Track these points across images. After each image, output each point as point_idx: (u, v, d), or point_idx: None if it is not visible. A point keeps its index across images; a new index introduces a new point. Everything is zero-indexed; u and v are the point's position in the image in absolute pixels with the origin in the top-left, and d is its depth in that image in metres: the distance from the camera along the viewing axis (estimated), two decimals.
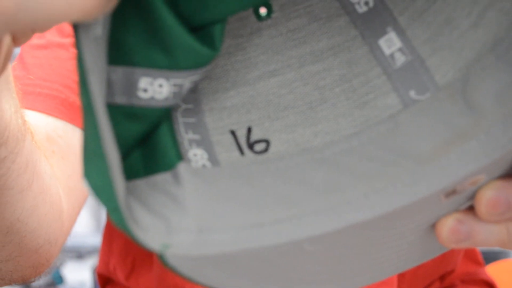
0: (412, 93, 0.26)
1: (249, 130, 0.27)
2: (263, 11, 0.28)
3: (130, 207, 0.22)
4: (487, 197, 0.23)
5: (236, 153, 0.26)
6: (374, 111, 0.26)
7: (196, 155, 0.26)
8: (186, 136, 0.26)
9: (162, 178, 0.24)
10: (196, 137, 0.26)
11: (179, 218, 0.23)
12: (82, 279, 1.92)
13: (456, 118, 0.24)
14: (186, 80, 0.24)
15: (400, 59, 0.26)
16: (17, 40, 0.27)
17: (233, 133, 0.27)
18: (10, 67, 0.36)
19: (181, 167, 0.24)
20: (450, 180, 0.23)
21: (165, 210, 0.23)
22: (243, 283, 0.24)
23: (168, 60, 0.24)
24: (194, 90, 0.27)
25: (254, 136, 0.27)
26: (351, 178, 0.24)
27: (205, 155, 0.26)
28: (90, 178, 0.20)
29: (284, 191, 0.24)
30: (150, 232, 0.22)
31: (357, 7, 0.28)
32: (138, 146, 0.25)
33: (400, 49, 0.26)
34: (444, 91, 0.25)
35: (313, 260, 0.24)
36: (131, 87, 0.24)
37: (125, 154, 0.24)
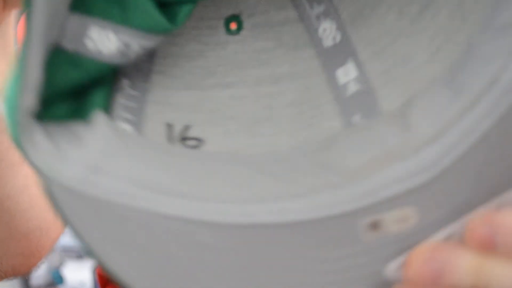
0: (356, 118, 0.27)
1: (187, 127, 0.27)
2: (233, 26, 0.30)
3: (32, 130, 0.22)
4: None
5: (165, 139, 0.27)
6: (316, 131, 0.27)
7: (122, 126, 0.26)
8: (121, 113, 0.27)
9: (76, 123, 0.24)
10: (130, 117, 0.27)
11: (78, 153, 0.23)
12: (82, 279, 1.93)
13: (389, 138, 0.24)
14: (134, 40, 0.25)
15: (352, 88, 0.27)
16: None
17: (169, 126, 0.27)
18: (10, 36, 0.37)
19: (100, 117, 0.24)
20: (370, 200, 0.23)
21: (66, 144, 0.23)
22: (124, 260, 0.22)
23: (121, 15, 0.25)
24: (146, 80, 0.28)
25: (190, 134, 0.27)
26: (269, 180, 0.24)
27: (131, 129, 0.26)
28: (6, 89, 0.21)
29: (196, 172, 0.24)
30: (44, 154, 0.22)
31: (324, 41, 0.29)
32: (69, 97, 0.25)
33: (355, 79, 0.28)
34: (386, 115, 0.26)
35: (216, 263, 0.23)
36: (80, 34, 0.25)
37: (53, 96, 0.24)
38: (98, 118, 0.24)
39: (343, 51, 0.29)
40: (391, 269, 0.23)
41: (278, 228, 0.23)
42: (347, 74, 0.28)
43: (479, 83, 0.23)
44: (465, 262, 0.22)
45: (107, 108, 0.27)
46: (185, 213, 0.23)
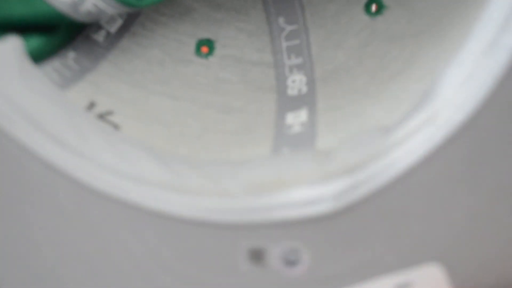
0: (285, 149, 0.24)
1: (109, 112, 0.25)
2: (204, 50, 0.29)
3: None
4: None
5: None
6: (241, 151, 0.24)
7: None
8: (48, 70, 0.25)
9: None
10: (56, 78, 0.25)
11: None
12: None
13: (303, 164, 0.21)
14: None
15: (296, 129, 0.25)
16: None
17: (92, 104, 0.25)
18: None
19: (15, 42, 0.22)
20: (260, 217, 0.20)
21: None
22: None
23: None
24: (94, 62, 0.27)
25: (108, 117, 0.25)
26: (164, 170, 0.21)
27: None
28: None
29: (90, 130, 0.21)
30: None
31: (289, 90, 0.27)
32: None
33: (302, 123, 0.25)
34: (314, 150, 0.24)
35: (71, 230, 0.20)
36: None
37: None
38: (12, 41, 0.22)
39: (303, 101, 0.27)
40: None
41: (153, 215, 0.20)
42: (297, 117, 0.26)
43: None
44: None
45: (36, 59, 0.25)
46: (51, 157, 0.20)
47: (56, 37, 0.26)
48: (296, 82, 0.28)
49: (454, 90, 0.20)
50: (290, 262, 0.20)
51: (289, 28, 0.29)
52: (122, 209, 0.20)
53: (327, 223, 0.19)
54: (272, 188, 0.20)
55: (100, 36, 0.27)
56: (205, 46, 0.29)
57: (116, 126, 0.24)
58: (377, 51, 0.27)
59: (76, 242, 0.20)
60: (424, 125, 0.20)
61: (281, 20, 0.29)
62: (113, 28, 0.28)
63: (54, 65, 0.25)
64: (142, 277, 0.20)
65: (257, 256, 0.20)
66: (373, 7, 0.28)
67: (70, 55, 0.26)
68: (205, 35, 0.29)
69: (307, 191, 0.20)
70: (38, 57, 0.25)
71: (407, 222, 0.19)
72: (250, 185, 0.20)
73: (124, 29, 0.28)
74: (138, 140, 0.22)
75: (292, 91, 0.27)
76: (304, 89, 0.27)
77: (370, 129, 0.21)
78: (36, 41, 0.25)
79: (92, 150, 0.20)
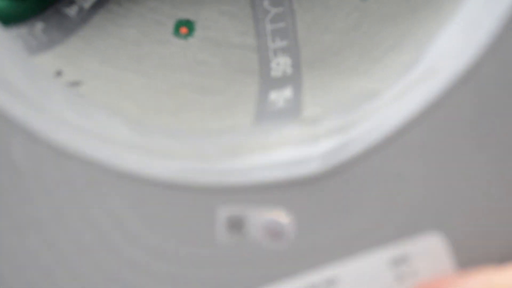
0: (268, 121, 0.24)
1: (76, 83, 0.23)
2: (183, 31, 0.28)
3: None
4: None
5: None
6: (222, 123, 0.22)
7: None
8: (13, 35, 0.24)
9: None
10: (21, 44, 0.23)
11: None
12: None
13: (287, 129, 0.20)
14: None
15: (280, 105, 0.24)
16: None
17: (58, 73, 0.23)
18: None
19: None
20: (239, 179, 0.17)
21: None
22: None
23: None
24: (63, 35, 0.25)
25: (74, 87, 0.23)
26: (135, 134, 0.19)
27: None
28: None
29: (60, 95, 0.19)
30: None
31: (273, 72, 0.27)
32: None
33: (286, 99, 0.25)
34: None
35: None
36: None
37: None
38: None
39: (288, 81, 0.25)
40: None
41: (119, 176, 0.18)
42: (280, 95, 0.24)
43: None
44: None
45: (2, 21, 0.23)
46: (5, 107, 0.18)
47: (24, 4, 0.24)
48: (281, 65, 0.26)
49: (450, 43, 0.18)
50: (273, 231, 0.18)
51: (274, 10, 0.27)
52: (84, 169, 0.18)
53: (314, 186, 0.17)
54: (254, 150, 0.18)
55: (72, 11, 0.26)
56: (184, 27, 0.27)
57: (83, 96, 0.22)
58: (368, 31, 0.25)
59: (31, 205, 0.18)
60: (420, 80, 0.18)
61: (266, 3, 0.27)
62: (87, 4, 0.26)
63: (20, 32, 0.24)
64: (106, 248, 0.18)
65: (236, 224, 0.18)
66: None
67: (39, 26, 0.24)
68: (184, 15, 0.27)
69: (291, 152, 0.18)
70: (3, 19, 0.23)
71: (403, 185, 0.17)
72: (229, 147, 0.18)
73: (98, 6, 0.26)
74: (108, 105, 0.20)
75: (276, 72, 0.25)
76: (289, 70, 0.25)
77: (360, 92, 0.19)
78: (3, 3, 0.23)
79: (54, 106, 0.18)
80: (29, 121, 0.18)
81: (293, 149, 0.18)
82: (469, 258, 0.17)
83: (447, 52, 0.18)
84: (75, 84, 0.23)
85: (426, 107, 0.17)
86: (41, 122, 0.18)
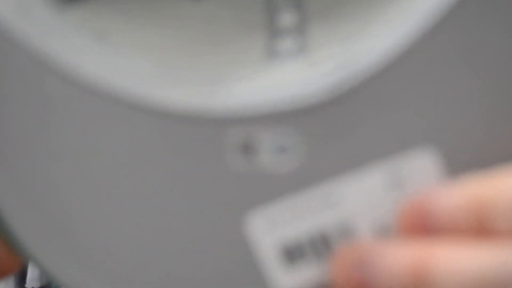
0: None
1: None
2: None
3: None
4: None
5: None
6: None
7: None
8: None
9: None
10: None
11: None
12: None
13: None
14: None
15: (287, 47, 0.26)
16: None
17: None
18: None
19: None
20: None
21: None
22: None
23: None
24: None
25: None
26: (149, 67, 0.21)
27: None
28: None
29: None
30: None
31: (280, 22, 0.28)
32: None
33: (292, 44, 0.26)
34: None
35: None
36: None
37: None
38: None
39: (295, 31, 0.26)
40: (254, 222, 0.19)
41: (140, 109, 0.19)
42: (287, 42, 0.25)
43: None
44: (401, 263, 0.17)
45: None
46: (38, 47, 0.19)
47: None
48: (288, 17, 0.27)
49: None
50: (282, 152, 0.19)
51: None
52: (109, 104, 0.20)
53: (319, 112, 0.19)
54: (263, 79, 0.20)
55: None
56: None
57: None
58: None
59: (63, 138, 0.19)
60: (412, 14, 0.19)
61: None
62: None
63: None
64: (129, 172, 0.19)
65: (247, 150, 0.19)
66: None
67: None
68: None
69: (297, 83, 0.19)
70: None
71: (402, 107, 0.19)
72: (239, 77, 0.20)
73: None
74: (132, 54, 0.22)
75: (284, 22, 0.27)
76: (295, 21, 0.27)
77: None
78: None
79: (79, 46, 0.20)
80: (61, 62, 0.20)
81: (299, 81, 0.19)
82: (460, 173, 0.19)
83: None
84: (101, 37, 0.25)
85: (419, 38, 0.19)
86: (72, 63, 0.20)
